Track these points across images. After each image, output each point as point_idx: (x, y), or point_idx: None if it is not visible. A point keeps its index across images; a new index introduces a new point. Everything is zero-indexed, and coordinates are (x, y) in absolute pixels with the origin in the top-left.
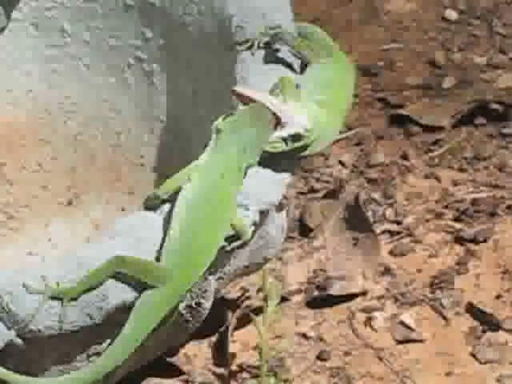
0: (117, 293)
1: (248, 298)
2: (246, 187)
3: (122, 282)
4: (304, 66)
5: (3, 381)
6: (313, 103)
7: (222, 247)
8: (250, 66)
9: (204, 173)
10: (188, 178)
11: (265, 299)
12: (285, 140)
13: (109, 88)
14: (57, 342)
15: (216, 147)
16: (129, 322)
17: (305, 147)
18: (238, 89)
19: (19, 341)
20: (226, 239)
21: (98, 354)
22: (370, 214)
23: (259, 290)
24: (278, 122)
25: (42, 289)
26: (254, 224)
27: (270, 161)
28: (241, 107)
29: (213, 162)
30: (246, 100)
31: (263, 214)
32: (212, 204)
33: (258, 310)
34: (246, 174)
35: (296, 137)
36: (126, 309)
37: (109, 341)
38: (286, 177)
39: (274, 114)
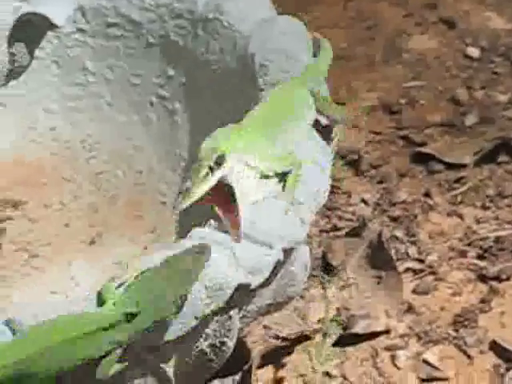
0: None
1: (271, 336)
2: (270, 225)
3: None
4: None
5: None
6: None
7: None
8: None
9: None
10: None
11: (324, 333)
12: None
13: (131, 126)
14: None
15: None
16: None
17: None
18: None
19: None
20: None
21: None
22: (392, 252)
23: (319, 321)
24: None
25: None
26: (278, 262)
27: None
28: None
29: None
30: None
31: (287, 252)
32: None
33: (283, 349)
34: None
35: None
36: (149, 348)
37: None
38: (309, 215)
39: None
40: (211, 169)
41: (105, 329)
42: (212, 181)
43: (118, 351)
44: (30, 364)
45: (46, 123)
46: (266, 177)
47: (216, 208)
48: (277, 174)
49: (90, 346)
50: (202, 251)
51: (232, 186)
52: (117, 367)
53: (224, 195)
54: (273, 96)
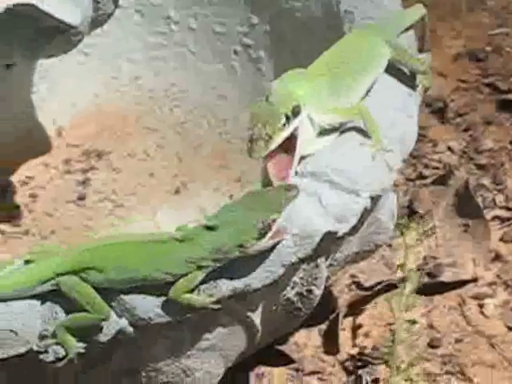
0: (227, 282)
1: (358, 285)
2: (357, 173)
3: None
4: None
5: None
6: None
7: None
8: None
9: None
10: None
11: (403, 280)
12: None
13: (215, 75)
14: (167, 330)
15: None
16: None
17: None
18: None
19: (130, 329)
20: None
21: (207, 340)
22: (479, 200)
23: (399, 267)
24: None
25: None
26: (365, 210)
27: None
28: None
29: None
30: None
31: (374, 199)
32: None
33: (369, 298)
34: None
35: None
36: (236, 297)
37: (219, 328)
38: (396, 162)
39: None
40: (287, 117)
41: (180, 240)
42: (289, 130)
43: (196, 274)
44: (100, 260)
45: (130, 73)
46: (325, 130)
47: (268, 159)
48: (337, 128)
49: (165, 258)
50: (289, 189)
51: (297, 138)
52: (194, 298)
53: (284, 146)
54: (344, 42)
